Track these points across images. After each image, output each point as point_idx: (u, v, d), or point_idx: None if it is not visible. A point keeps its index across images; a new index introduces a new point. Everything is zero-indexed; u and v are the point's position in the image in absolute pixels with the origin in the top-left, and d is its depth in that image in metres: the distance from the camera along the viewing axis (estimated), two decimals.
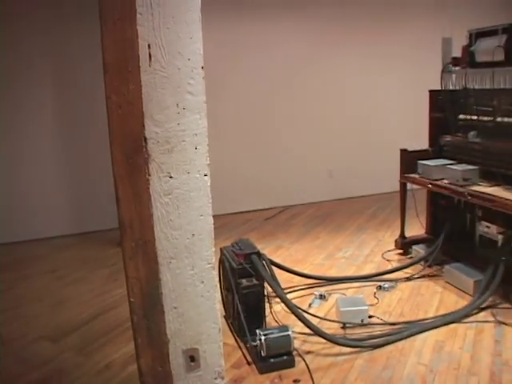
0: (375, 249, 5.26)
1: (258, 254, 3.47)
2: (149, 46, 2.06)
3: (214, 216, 2.35)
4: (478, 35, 4.24)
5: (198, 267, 2.32)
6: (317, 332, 3.29)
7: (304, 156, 7.11)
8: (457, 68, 4.52)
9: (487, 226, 4.35)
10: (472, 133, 4.39)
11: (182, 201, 2.23)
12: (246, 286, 3.34)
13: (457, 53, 4.51)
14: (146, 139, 2.11)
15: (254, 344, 3.12)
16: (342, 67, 7.11)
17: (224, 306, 3.78)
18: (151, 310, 2.27)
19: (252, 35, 6.57)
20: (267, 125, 6.84)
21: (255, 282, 3.38)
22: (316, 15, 6.83)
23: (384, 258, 4.95)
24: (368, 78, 7.25)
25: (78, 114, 5.98)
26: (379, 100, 7.35)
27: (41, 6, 5.60)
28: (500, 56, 3.93)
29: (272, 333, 3.11)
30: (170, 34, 2.08)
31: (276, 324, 3.60)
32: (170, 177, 2.19)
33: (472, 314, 3.71)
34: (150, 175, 2.15)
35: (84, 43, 5.62)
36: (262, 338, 3.07)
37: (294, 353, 3.21)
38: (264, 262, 3.50)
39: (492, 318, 3.68)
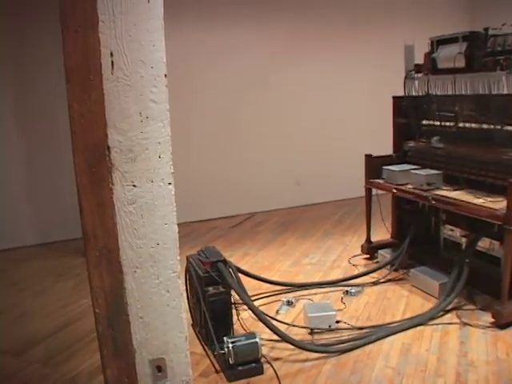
0: (342, 254, 5.29)
1: (225, 262, 3.46)
2: (111, 53, 2.04)
3: (179, 224, 2.34)
4: (439, 42, 4.31)
5: (163, 276, 2.30)
6: (284, 338, 3.29)
7: (270, 163, 7.12)
8: (419, 75, 4.59)
9: (451, 230, 4.43)
10: (435, 138, 4.46)
11: (146, 210, 2.21)
12: (212, 294, 3.33)
13: (419, 60, 4.57)
14: (109, 148, 2.09)
15: (222, 352, 3.11)
16: (307, 74, 7.15)
17: (191, 315, 3.75)
18: (116, 320, 2.24)
19: (217, 43, 6.56)
20: (233, 132, 6.84)
21: (222, 289, 3.36)
22: (280, 23, 6.87)
23: (350, 263, 4.98)
24: (333, 85, 7.32)
25: (41, 123, 5.88)
26: (344, 107, 7.43)
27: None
28: (461, 63, 4.00)
29: (240, 340, 3.10)
30: (132, 41, 2.07)
31: (244, 331, 3.59)
32: (134, 186, 2.17)
33: (438, 317, 3.77)
34: (113, 184, 2.12)
35: (45, 50, 5.55)
36: (230, 345, 3.05)
37: (263, 360, 3.21)
38: (230, 270, 3.49)
39: (457, 320, 3.73)
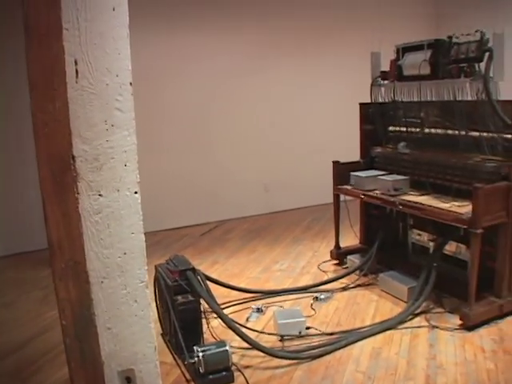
0: (311, 260, 5.30)
1: (193, 270, 3.44)
2: (75, 62, 2.01)
3: (148, 233, 2.32)
4: (404, 50, 4.37)
5: (130, 286, 2.27)
6: (255, 346, 3.28)
7: (239, 170, 7.12)
8: (385, 81, 4.64)
9: (419, 234, 4.48)
10: (401, 144, 4.51)
11: (113, 219, 2.18)
12: (181, 303, 3.30)
13: (385, 67, 4.63)
14: (74, 157, 2.06)
15: (192, 361, 3.08)
16: (275, 81, 7.18)
17: (161, 324, 3.72)
18: (84, 331, 2.20)
19: (185, 50, 6.55)
20: (201, 139, 6.82)
21: (191, 298, 3.34)
22: (247, 30, 6.88)
23: (320, 269, 5.00)
24: (301, 92, 7.37)
25: (5, 131, 5.78)
26: (312, 114, 7.48)
27: None
28: (426, 70, 4.06)
29: (210, 349, 3.08)
30: (97, 49, 2.04)
31: (214, 340, 3.57)
32: (100, 195, 2.14)
33: (407, 320, 3.80)
34: (78, 194, 2.09)
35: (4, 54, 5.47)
36: (200, 354, 3.03)
37: (233, 368, 3.19)
38: (199, 278, 3.47)
39: (426, 323, 3.78)
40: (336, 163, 4.88)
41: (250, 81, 7.01)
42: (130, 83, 2.15)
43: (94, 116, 2.08)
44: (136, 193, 2.23)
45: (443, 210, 3.78)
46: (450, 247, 4.14)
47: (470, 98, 3.79)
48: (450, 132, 4.11)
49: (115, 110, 2.12)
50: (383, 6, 7.09)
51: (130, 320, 2.31)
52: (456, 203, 3.85)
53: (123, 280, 2.25)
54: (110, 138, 2.13)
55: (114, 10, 2.07)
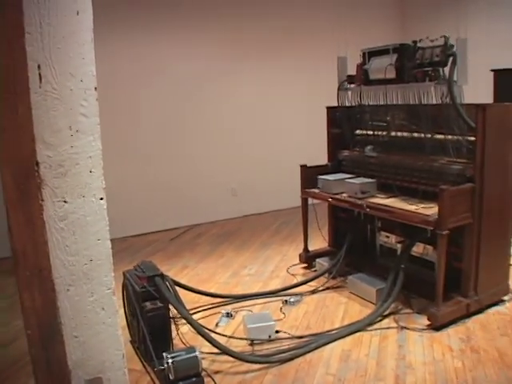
0: (280, 264, 5.31)
1: (162, 276, 3.41)
2: (39, 66, 1.98)
3: (117, 239, 2.30)
4: (370, 54, 4.40)
5: (97, 293, 2.24)
6: (224, 351, 3.27)
7: (207, 175, 7.10)
8: (352, 85, 4.67)
9: (387, 236, 4.52)
10: (368, 147, 4.55)
11: (78, 226, 2.15)
12: (150, 309, 3.27)
13: (352, 71, 4.66)
14: (37, 163, 2.02)
15: (162, 368, 3.04)
16: (244, 86, 7.19)
17: (130, 331, 3.68)
18: (50, 340, 2.17)
19: (154, 55, 6.50)
20: (168, 144, 6.77)
21: (160, 304, 3.31)
22: (216, 34, 6.87)
23: (289, 273, 5.01)
24: (269, 96, 7.39)
25: None
26: (280, 117, 7.50)
27: None
28: (391, 74, 4.10)
29: (179, 355, 3.04)
30: (60, 54, 2.02)
31: (183, 346, 3.54)
32: (65, 201, 2.11)
33: (376, 322, 3.83)
34: (43, 200, 2.06)
35: None
36: (169, 360, 3.00)
37: (203, 373, 3.16)
38: (168, 284, 3.44)
39: (395, 324, 3.81)
40: (304, 167, 4.90)
41: (218, 85, 7.00)
42: (95, 88, 2.13)
43: (58, 121, 2.05)
44: (102, 199, 2.21)
45: (410, 212, 3.82)
46: (418, 249, 4.19)
47: (434, 102, 3.84)
48: (415, 135, 4.16)
49: (80, 116, 2.09)
50: (350, 9, 7.17)
51: (98, 327, 2.28)
52: (422, 205, 3.89)
53: (90, 287, 2.22)
54: (74, 143, 2.10)
55: (78, 14, 2.05)
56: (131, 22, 6.31)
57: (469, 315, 3.84)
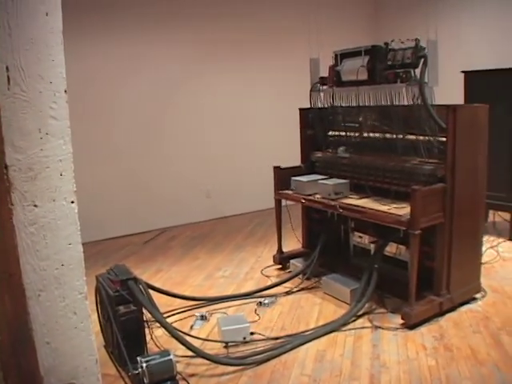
0: (254, 266, 5.31)
1: (135, 280, 3.38)
2: (7, 68, 1.94)
3: (90, 243, 2.27)
4: (342, 56, 4.42)
5: (69, 298, 2.20)
6: (199, 354, 3.25)
7: (181, 176, 7.06)
8: (324, 87, 4.69)
9: (360, 237, 4.55)
10: (341, 148, 4.57)
11: (49, 230, 2.11)
12: (123, 313, 3.24)
13: (324, 72, 4.67)
14: (6, 167, 1.98)
15: (136, 372, 3.02)
16: (217, 88, 7.17)
17: (103, 336, 3.64)
18: (21, 347, 2.12)
19: (128, 56, 6.45)
20: (141, 146, 6.73)
21: (133, 308, 3.28)
22: (189, 35, 6.85)
23: (263, 274, 5.01)
24: (242, 98, 7.39)
25: None
26: (253, 119, 7.50)
27: None
28: (363, 75, 4.13)
29: (154, 359, 3.02)
30: (29, 56, 1.98)
31: (158, 349, 3.52)
32: (35, 205, 2.06)
33: (350, 322, 3.85)
34: (12, 205, 2.01)
35: None
36: (144, 365, 2.97)
37: (178, 377, 3.14)
38: (141, 287, 3.41)
39: (369, 324, 3.84)
40: (277, 168, 4.90)
41: (192, 87, 6.98)
42: (65, 90, 2.09)
43: (27, 124, 2.01)
44: (73, 202, 2.17)
45: (383, 212, 3.85)
46: (391, 248, 4.22)
47: (406, 103, 3.88)
48: (388, 136, 4.19)
49: (50, 118, 2.06)
50: (323, 10, 7.19)
51: (70, 333, 2.24)
52: (395, 205, 3.92)
53: (61, 292, 2.18)
54: (44, 146, 2.06)
55: (46, 15, 2.01)
56: (105, 23, 6.26)
57: (442, 313, 3.88)
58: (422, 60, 3.70)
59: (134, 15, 6.41)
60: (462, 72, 5.76)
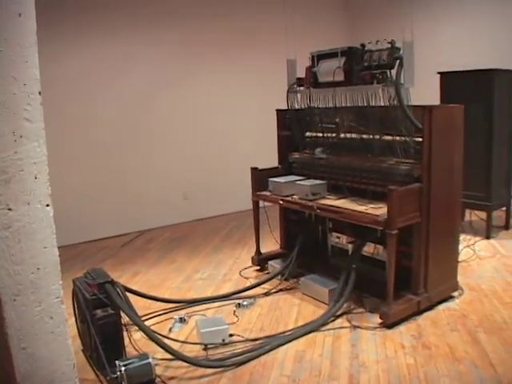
0: (233, 267, 5.30)
1: (112, 283, 3.35)
2: None
3: (67, 246, 2.24)
4: (319, 57, 4.44)
5: (45, 302, 2.17)
6: (178, 356, 3.24)
7: (158, 179, 7.03)
8: (301, 88, 4.70)
9: (338, 237, 4.56)
10: (318, 149, 4.59)
11: (24, 234, 2.08)
12: (101, 317, 3.21)
13: (301, 73, 4.68)
14: None
15: (115, 376, 2.99)
16: (195, 90, 7.16)
17: (81, 340, 3.60)
18: None
19: (103, 57, 6.40)
20: (118, 149, 6.68)
21: (111, 311, 3.25)
22: (170, 36, 6.83)
23: (242, 276, 5.00)
24: (220, 99, 7.38)
25: None
26: (231, 121, 7.50)
27: None
28: (340, 76, 4.15)
29: (132, 362, 3.00)
30: (3, 57, 1.95)
31: (136, 353, 3.49)
32: (9, 209, 2.03)
33: (329, 322, 3.86)
34: None
35: None
36: (122, 368, 2.95)
37: (157, 380, 3.12)
38: (118, 290, 3.38)
39: (348, 324, 3.85)
40: (254, 170, 4.90)
41: (169, 88, 6.95)
42: (39, 92, 2.07)
43: (1, 127, 1.97)
44: (48, 205, 2.14)
45: (360, 212, 3.87)
46: (368, 248, 4.24)
47: (382, 104, 3.91)
48: (364, 136, 4.21)
49: (24, 121, 2.03)
50: (299, 10, 7.21)
51: (46, 338, 2.21)
52: (372, 205, 3.95)
53: (37, 297, 2.15)
54: (18, 149, 2.03)
55: (20, 16, 1.99)
56: (98, 24, 6.26)
57: (420, 312, 3.92)
58: (398, 61, 3.73)
59: (109, 16, 6.38)
60: (438, 73, 5.82)
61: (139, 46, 6.67)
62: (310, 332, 3.73)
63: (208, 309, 4.27)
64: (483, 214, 5.85)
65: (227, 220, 7.33)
